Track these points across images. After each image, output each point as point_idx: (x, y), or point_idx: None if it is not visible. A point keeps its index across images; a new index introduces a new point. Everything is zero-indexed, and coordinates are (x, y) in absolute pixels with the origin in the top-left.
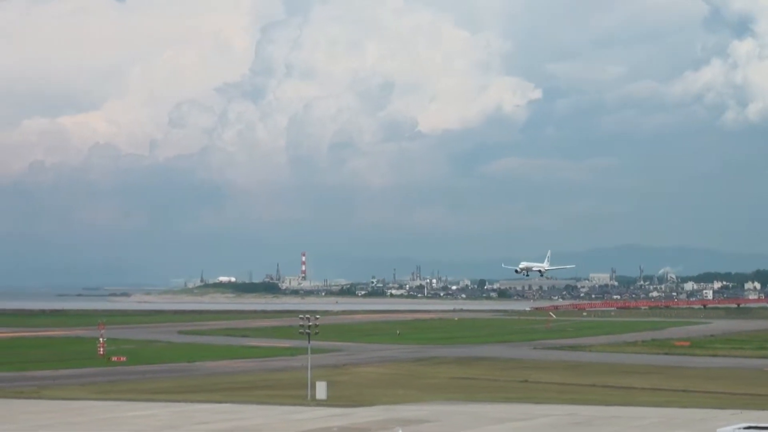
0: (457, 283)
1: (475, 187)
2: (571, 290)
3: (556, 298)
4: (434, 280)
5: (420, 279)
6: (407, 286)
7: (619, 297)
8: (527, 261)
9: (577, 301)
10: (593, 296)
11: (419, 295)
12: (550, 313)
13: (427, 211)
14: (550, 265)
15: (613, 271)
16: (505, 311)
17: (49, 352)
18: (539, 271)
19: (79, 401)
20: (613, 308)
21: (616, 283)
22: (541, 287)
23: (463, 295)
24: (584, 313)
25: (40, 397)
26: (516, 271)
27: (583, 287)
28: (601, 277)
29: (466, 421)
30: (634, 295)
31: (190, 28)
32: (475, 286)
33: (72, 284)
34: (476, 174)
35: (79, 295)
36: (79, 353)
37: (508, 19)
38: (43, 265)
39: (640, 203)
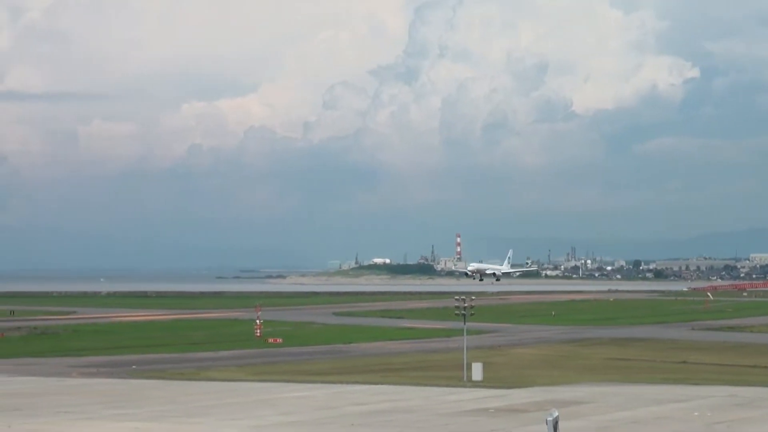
0: (612, 264)
1: (630, 166)
2: (730, 270)
3: (715, 278)
4: (589, 261)
5: (575, 260)
6: (562, 267)
7: None
8: (478, 263)
9: (736, 282)
10: (754, 276)
11: (574, 276)
12: (708, 294)
13: (581, 191)
14: (511, 266)
15: None
16: (661, 292)
17: (208, 334)
18: (494, 274)
19: (237, 382)
20: None
21: None
22: (698, 268)
23: (619, 276)
24: (744, 294)
25: (199, 379)
26: (466, 274)
27: (743, 267)
28: (763, 257)
29: (623, 402)
30: None
31: (345, 10)
32: (631, 267)
33: (229, 266)
34: (631, 154)
35: (237, 277)
36: (237, 335)
37: None
38: (200, 246)
39: None
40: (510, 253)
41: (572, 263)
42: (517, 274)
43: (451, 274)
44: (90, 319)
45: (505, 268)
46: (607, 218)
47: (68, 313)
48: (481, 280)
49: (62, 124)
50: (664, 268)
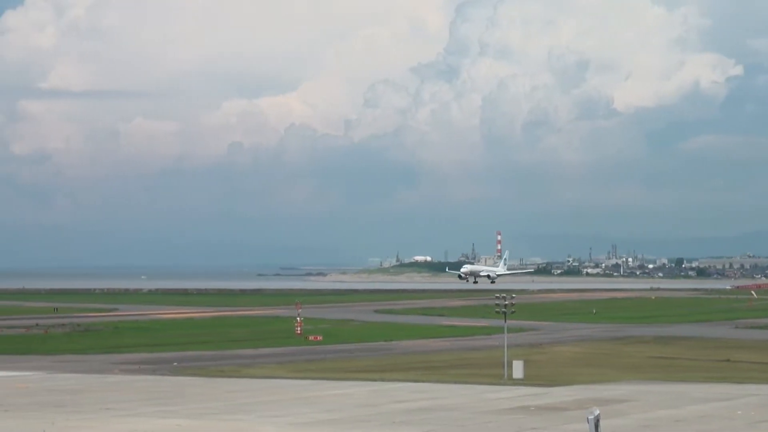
0: (654, 262)
1: (672, 164)
2: None
3: (759, 276)
4: (630, 259)
5: (616, 258)
6: (603, 264)
7: None
8: (472, 264)
9: None
10: None
11: (615, 273)
12: (752, 292)
13: (622, 188)
14: (507, 268)
15: None
16: (704, 290)
17: (248, 331)
18: (488, 276)
19: (277, 379)
20: None
21: None
22: (742, 266)
23: (660, 274)
24: None
25: (240, 376)
26: (459, 276)
27: None
28: None
29: (665, 401)
30: None
31: (385, 8)
32: (673, 265)
33: (270, 264)
34: (673, 151)
35: (277, 274)
36: (277, 332)
37: None
38: (241, 244)
39: None
40: (506, 254)
41: (613, 261)
42: (510, 275)
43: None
44: (131, 317)
45: (501, 269)
46: (649, 216)
47: (110, 310)
48: (475, 282)
49: (104, 122)
50: (707, 266)
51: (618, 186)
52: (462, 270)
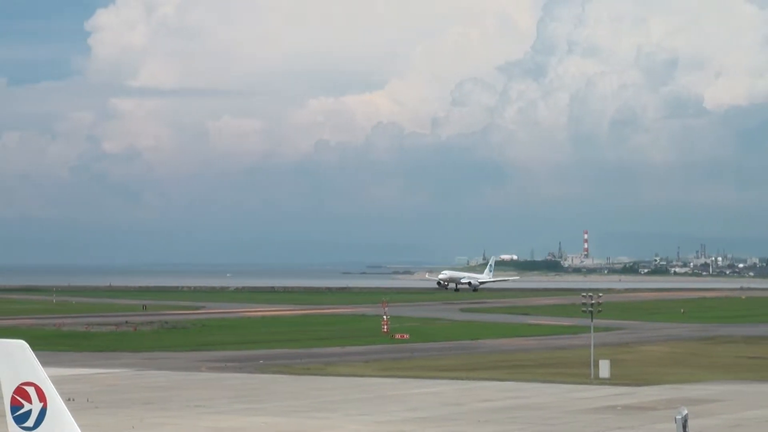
0: (744, 261)
1: (763, 163)
2: None
3: None
4: (720, 258)
5: (705, 257)
6: (691, 264)
7: None
8: (452, 270)
9: None
10: None
11: (704, 273)
12: None
13: (711, 188)
14: (493, 274)
15: None
16: None
17: (335, 330)
18: (469, 283)
19: (364, 378)
20: None
21: None
22: None
23: (751, 273)
24: None
25: (326, 374)
26: (438, 283)
27: None
28: None
29: (756, 401)
30: None
31: (474, 6)
32: (764, 264)
33: (356, 262)
34: (764, 150)
35: (363, 272)
36: (364, 330)
37: None
38: (327, 242)
39: None
40: (492, 261)
41: (702, 260)
42: (493, 282)
43: (578, 270)
44: (219, 314)
45: (485, 276)
46: (739, 215)
47: (197, 307)
48: (456, 290)
49: (192, 120)
50: None
51: (707, 185)
52: (440, 276)
